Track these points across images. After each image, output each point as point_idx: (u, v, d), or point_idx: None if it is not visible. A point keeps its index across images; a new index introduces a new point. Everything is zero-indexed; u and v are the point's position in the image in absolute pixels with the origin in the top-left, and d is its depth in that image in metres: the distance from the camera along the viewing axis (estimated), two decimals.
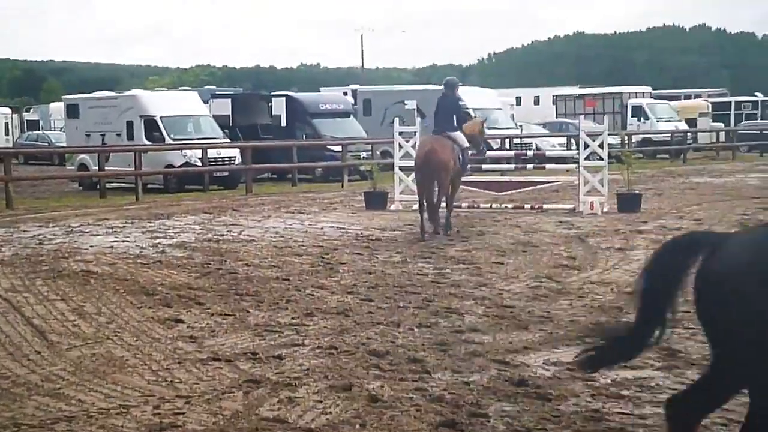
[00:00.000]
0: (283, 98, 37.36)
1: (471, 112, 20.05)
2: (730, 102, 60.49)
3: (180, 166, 29.83)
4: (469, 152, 18.25)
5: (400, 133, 22.53)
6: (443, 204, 17.56)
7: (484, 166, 23.01)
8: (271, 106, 37.68)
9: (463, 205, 21.23)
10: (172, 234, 17.66)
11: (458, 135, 17.75)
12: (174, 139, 30.53)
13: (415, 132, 22.33)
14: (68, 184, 33.50)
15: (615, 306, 10.61)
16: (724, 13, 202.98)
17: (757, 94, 63.90)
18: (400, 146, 22.30)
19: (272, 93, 40.66)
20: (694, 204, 22.11)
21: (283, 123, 36.30)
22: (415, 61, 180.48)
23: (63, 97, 39.34)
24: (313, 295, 11.49)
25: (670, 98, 59.37)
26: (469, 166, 18.57)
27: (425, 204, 17.08)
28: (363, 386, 7.59)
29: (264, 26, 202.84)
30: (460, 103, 18.28)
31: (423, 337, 9.20)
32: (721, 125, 53.21)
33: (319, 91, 49.04)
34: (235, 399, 7.34)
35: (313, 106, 36.57)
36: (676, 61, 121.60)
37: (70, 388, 7.70)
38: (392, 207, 21.82)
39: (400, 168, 22.20)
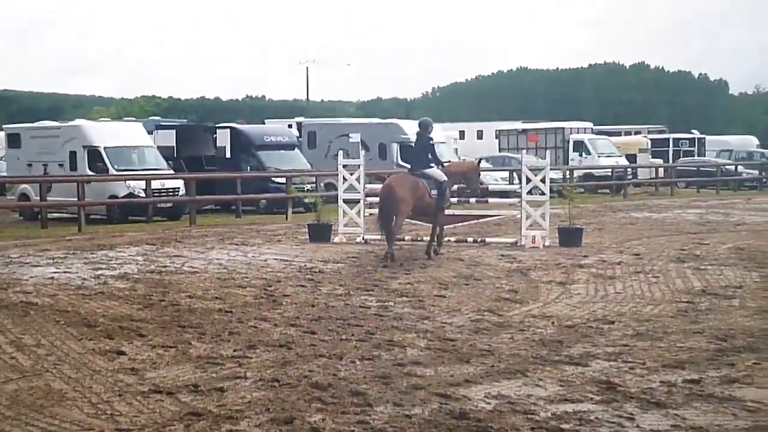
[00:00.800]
0: (228, 130, 37.30)
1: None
2: (669, 139, 61.36)
3: (123, 197, 29.62)
4: (453, 186, 19.86)
5: (344, 166, 22.62)
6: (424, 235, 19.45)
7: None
8: (215, 137, 37.58)
9: (407, 237, 21.33)
10: (115, 265, 17.54)
11: (433, 171, 18.92)
12: (118, 170, 30.30)
13: (359, 165, 22.41)
14: (9, 215, 33.10)
15: (556, 339, 10.72)
16: (662, 52, 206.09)
17: (694, 131, 65.02)
18: (344, 179, 22.37)
19: (217, 125, 40.52)
20: (634, 239, 22.37)
21: (228, 155, 36.22)
22: (359, 94, 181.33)
23: (4, 126, 38.94)
24: (256, 327, 11.47)
25: (611, 134, 60.08)
26: (450, 198, 19.69)
27: (384, 232, 18.53)
28: (305, 419, 7.59)
29: (209, 58, 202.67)
30: (430, 141, 19.16)
31: (365, 370, 9.22)
32: (660, 161, 53.96)
33: (264, 123, 49.02)
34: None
35: (257, 138, 36.55)
36: (616, 98, 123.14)
37: (6, 422, 7.61)
38: (336, 239, 21.84)
39: (344, 200, 22.26)
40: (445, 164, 20.03)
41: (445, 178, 19.04)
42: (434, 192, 18.82)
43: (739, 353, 9.99)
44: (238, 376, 8.97)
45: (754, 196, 44.18)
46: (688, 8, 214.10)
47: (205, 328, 11.35)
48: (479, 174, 20.50)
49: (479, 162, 21.02)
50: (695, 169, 51.53)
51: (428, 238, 19.37)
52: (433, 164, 19.05)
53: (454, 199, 20.58)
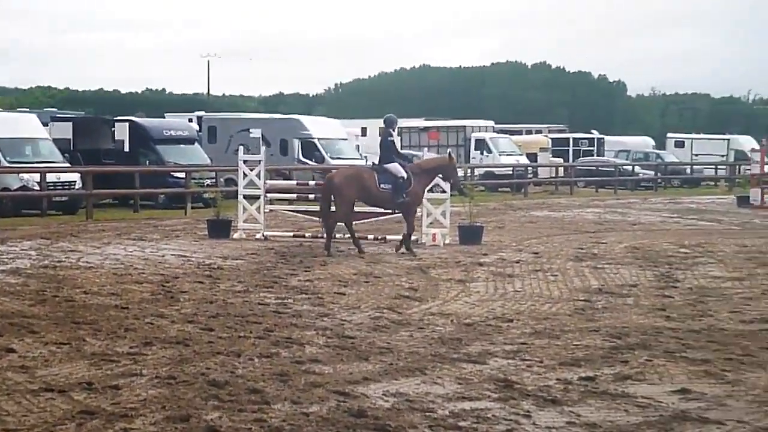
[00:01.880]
0: (127, 123, 36.69)
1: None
2: (569, 138, 62.32)
3: (16, 190, 28.96)
4: (430, 182, 20.19)
5: (245, 161, 22.44)
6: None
7: None
8: (114, 130, 36.94)
9: (307, 235, 21.26)
10: (6, 260, 17.15)
11: (391, 166, 19.41)
12: (10, 162, 29.57)
13: (259, 160, 22.26)
14: None
15: (455, 337, 10.76)
16: (563, 53, 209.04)
17: (593, 131, 66.16)
18: (245, 174, 22.19)
19: (115, 117, 39.86)
20: (533, 237, 22.62)
21: (126, 148, 35.63)
22: (261, 89, 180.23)
23: None
24: (152, 323, 11.30)
25: (513, 133, 60.81)
26: (404, 195, 19.38)
27: (322, 222, 19.64)
28: (201, 417, 7.49)
29: (108, 49, 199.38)
30: (389, 138, 19.81)
31: (263, 368, 9.14)
32: (560, 160, 54.75)
33: (164, 117, 48.43)
34: (68, 431, 7.14)
35: (157, 131, 36.03)
36: (518, 97, 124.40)
37: None
38: (236, 235, 21.66)
39: (244, 196, 22.08)
40: (415, 161, 20.57)
41: (403, 174, 19.23)
42: (386, 186, 19.20)
43: (633, 351, 10.15)
44: (133, 374, 8.81)
45: (650, 196, 45.08)
46: (591, 12, 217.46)
47: (100, 324, 11.14)
48: (455, 168, 20.55)
49: (450, 155, 20.95)
50: (594, 168, 52.44)
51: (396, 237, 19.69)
52: (395, 161, 19.45)
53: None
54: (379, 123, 69.59)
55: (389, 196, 19.35)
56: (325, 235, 19.42)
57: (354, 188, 19.19)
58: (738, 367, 9.43)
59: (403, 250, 18.94)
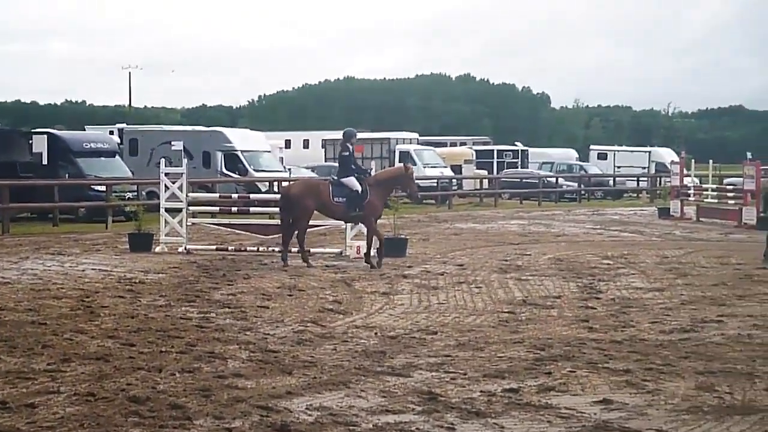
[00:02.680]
0: (45, 135, 36.03)
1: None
2: (493, 150, 62.73)
3: None
4: (388, 193, 20.53)
5: (167, 174, 22.19)
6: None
7: (252, 209, 22.87)
8: (31, 143, 36.26)
9: (230, 248, 21.10)
10: None
11: (347, 180, 19.51)
12: None
13: (181, 173, 22.04)
14: None
15: (379, 350, 10.72)
16: (487, 65, 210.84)
17: (517, 143, 66.68)
18: (167, 187, 21.95)
19: (33, 130, 39.17)
20: (458, 249, 22.70)
21: (45, 161, 35.00)
22: (184, 101, 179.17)
23: None
24: (71, 339, 11.09)
25: (437, 145, 61.02)
26: (357, 208, 19.44)
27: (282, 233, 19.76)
28: None
29: (26, 60, 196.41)
30: (343, 153, 19.98)
31: (185, 383, 9.01)
32: (484, 172, 55.06)
33: (84, 130, 47.78)
34: None
35: (76, 144, 35.43)
36: (443, 109, 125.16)
37: None
38: (157, 249, 21.40)
39: (166, 209, 21.84)
40: (371, 173, 20.44)
41: (357, 188, 19.31)
42: (340, 199, 19.38)
43: (556, 362, 10.20)
44: (50, 391, 8.61)
45: (573, 207, 45.56)
46: (515, 25, 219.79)
47: (16, 341, 10.89)
48: (412, 177, 20.22)
49: (406, 165, 21.20)
50: (518, 180, 52.83)
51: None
52: (351, 174, 19.55)
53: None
54: (303, 135, 69.51)
55: (343, 209, 19.51)
56: (281, 247, 19.60)
57: (312, 199, 19.42)
58: (658, 377, 9.53)
59: (374, 261, 18.86)
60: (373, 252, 19.08)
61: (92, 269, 18.03)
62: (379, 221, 20.05)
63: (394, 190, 21.36)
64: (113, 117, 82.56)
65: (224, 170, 39.10)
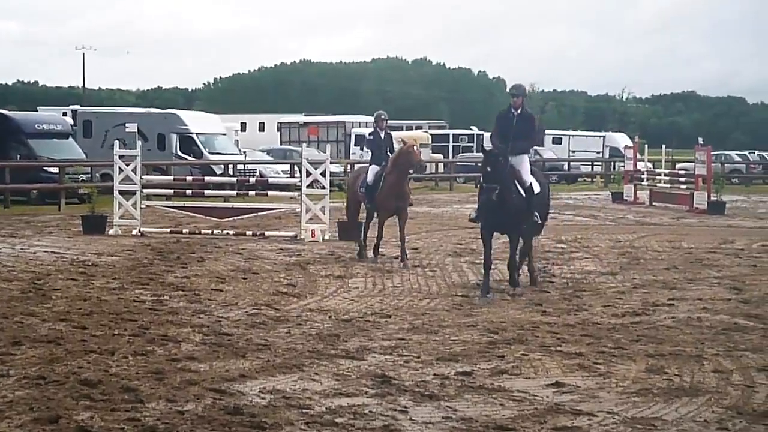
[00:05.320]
0: None
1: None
2: (449, 134, 62.76)
3: None
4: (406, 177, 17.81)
5: (121, 157, 22.01)
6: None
7: (207, 192, 22.78)
8: None
9: (184, 231, 21.00)
10: None
11: (371, 168, 17.84)
12: None
13: (136, 155, 21.87)
14: None
15: (333, 333, 10.73)
16: (444, 49, 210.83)
17: (472, 127, 66.73)
18: (120, 169, 21.78)
19: None
20: (412, 233, 22.63)
21: None
22: (139, 83, 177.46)
23: None
24: (21, 322, 10.99)
25: (393, 128, 60.79)
26: (369, 201, 17.79)
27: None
28: (72, 417, 7.31)
29: None
30: (368, 138, 18.68)
31: (138, 366, 8.97)
32: (440, 156, 55.08)
33: (36, 111, 47.25)
34: None
35: (28, 125, 35.01)
36: (399, 93, 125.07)
37: None
38: (111, 231, 21.24)
39: (120, 192, 21.67)
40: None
41: (370, 178, 17.58)
42: (362, 189, 17.77)
43: (509, 345, 10.27)
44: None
45: None
46: (471, 9, 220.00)
47: None
48: (412, 151, 17.31)
49: (404, 141, 18.04)
50: (474, 164, 52.78)
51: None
52: (376, 161, 17.80)
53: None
54: (259, 118, 69.08)
55: (365, 200, 17.94)
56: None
57: (355, 187, 18.20)
58: (609, 360, 9.63)
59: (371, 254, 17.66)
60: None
61: (44, 251, 17.87)
62: (333, 204, 19.67)
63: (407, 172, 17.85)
64: (66, 98, 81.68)
65: (179, 153, 38.86)
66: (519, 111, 14.07)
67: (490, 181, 13.26)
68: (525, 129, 14.08)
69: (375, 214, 17.98)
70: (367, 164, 18.32)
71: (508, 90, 14.58)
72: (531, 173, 14.23)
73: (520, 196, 13.69)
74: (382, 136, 17.98)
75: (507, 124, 14.08)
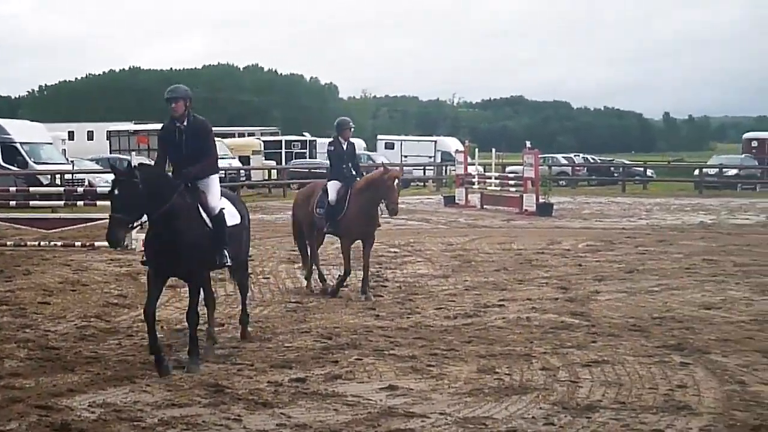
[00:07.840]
0: None
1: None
2: (281, 141, 62.66)
3: None
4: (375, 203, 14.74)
5: None
6: None
7: (32, 203, 22.09)
8: None
9: (9, 243, 20.33)
10: None
11: (330, 184, 14.95)
12: None
13: None
14: None
15: (165, 344, 10.55)
16: (275, 55, 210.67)
17: (305, 133, 66.82)
18: None
19: None
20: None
21: None
22: None
23: None
24: None
25: (225, 135, 60.47)
26: (330, 224, 14.95)
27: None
28: None
29: None
30: (329, 149, 15.28)
31: None
32: (273, 163, 54.92)
33: None
34: None
35: None
36: (230, 100, 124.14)
37: None
38: None
39: None
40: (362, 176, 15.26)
41: (333, 197, 14.73)
42: (320, 210, 14.88)
43: (343, 350, 10.31)
44: None
45: None
46: (302, 16, 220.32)
47: None
48: (393, 185, 14.52)
49: (386, 168, 15.05)
50: (307, 171, 52.94)
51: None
52: (337, 176, 15.01)
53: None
54: (87, 126, 67.43)
55: (322, 223, 14.99)
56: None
57: (303, 208, 15.41)
58: (442, 362, 9.77)
59: (328, 287, 14.85)
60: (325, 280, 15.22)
61: None
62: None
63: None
64: None
65: (2, 163, 37.61)
66: (185, 122, 10.34)
67: (117, 210, 9.62)
68: (198, 146, 10.27)
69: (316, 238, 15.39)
70: (325, 179, 15.51)
71: (164, 95, 10.45)
72: (228, 198, 10.80)
73: (203, 229, 9.92)
74: (345, 146, 15.16)
75: (171, 141, 10.33)
